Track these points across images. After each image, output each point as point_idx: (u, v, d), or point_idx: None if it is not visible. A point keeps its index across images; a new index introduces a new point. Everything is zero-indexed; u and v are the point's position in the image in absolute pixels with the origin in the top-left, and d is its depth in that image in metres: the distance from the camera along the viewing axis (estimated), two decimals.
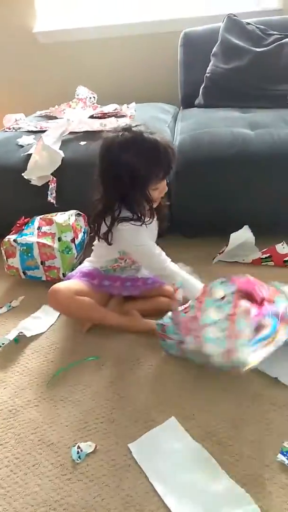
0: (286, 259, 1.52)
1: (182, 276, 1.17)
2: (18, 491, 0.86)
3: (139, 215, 1.15)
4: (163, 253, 1.21)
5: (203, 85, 2.00)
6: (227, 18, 1.96)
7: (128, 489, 0.84)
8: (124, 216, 1.15)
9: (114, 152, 1.09)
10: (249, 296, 1.11)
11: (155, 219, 1.24)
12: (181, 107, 2.19)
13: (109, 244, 1.19)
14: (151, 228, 1.25)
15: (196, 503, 0.80)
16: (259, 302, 1.09)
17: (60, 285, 1.22)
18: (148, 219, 1.16)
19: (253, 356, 0.96)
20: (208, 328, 1.01)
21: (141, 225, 1.16)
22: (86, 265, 1.34)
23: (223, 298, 1.08)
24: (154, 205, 1.19)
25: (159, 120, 1.88)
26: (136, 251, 1.21)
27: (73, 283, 1.26)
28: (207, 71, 1.98)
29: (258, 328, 1.03)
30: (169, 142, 1.15)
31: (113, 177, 1.11)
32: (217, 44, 1.97)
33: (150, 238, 1.25)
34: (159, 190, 1.17)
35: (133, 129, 1.11)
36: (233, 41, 1.93)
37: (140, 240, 1.18)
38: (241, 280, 1.13)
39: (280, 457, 0.86)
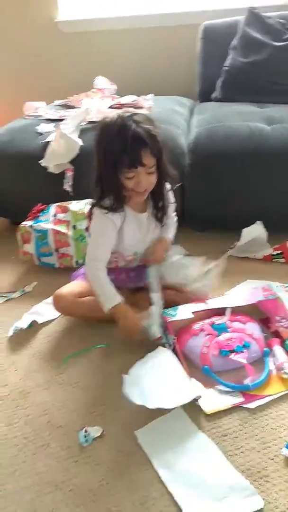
0: None
1: (100, 287, 1.16)
2: (26, 470, 0.88)
3: (110, 201, 1.13)
4: (101, 263, 1.18)
5: (221, 78, 1.98)
6: (248, 12, 1.94)
7: (133, 474, 0.85)
8: (100, 202, 1.14)
9: (97, 133, 1.11)
10: (265, 319, 1.17)
11: (148, 215, 1.21)
12: (198, 101, 2.17)
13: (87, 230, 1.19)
14: (144, 226, 1.22)
15: (200, 492, 0.81)
16: (271, 331, 1.15)
17: (63, 290, 1.23)
18: (115, 208, 1.13)
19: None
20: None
21: (106, 213, 1.13)
22: None
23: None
24: (135, 197, 1.15)
25: (176, 113, 1.87)
26: (89, 237, 1.23)
27: (76, 286, 1.26)
28: (225, 65, 1.96)
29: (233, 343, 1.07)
30: (144, 132, 1.04)
31: (95, 159, 1.12)
32: (236, 37, 1.95)
33: (139, 238, 1.22)
34: (134, 181, 1.09)
35: (121, 114, 1.08)
36: (252, 35, 1.91)
37: (96, 228, 1.17)
38: (270, 301, 1.17)
39: (285, 451, 0.87)
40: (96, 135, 1.12)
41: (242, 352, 1.05)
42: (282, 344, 1.10)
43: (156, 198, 1.21)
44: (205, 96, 2.10)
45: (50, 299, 1.38)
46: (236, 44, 1.94)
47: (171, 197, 1.26)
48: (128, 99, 1.95)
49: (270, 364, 1.06)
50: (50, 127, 1.77)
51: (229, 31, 2.00)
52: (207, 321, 1.15)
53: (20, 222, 1.56)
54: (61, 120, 1.78)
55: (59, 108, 2.07)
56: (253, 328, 1.13)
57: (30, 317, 1.30)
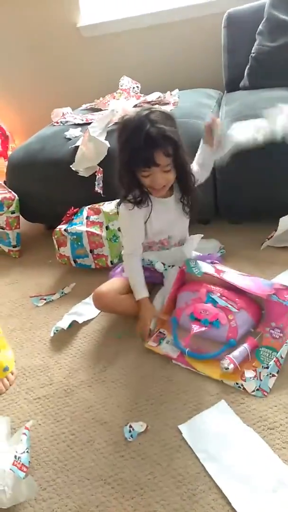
0: None
1: (133, 278, 1.25)
2: (75, 465, 0.91)
3: (133, 197, 1.17)
4: (135, 255, 1.26)
5: (248, 66, 1.94)
6: None
7: (180, 468, 0.86)
8: (125, 199, 1.19)
9: (117, 131, 1.15)
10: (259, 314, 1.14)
11: (175, 199, 1.23)
12: (225, 91, 2.14)
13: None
14: (172, 209, 1.24)
15: (249, 486, 0.80)
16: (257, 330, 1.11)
17: (103, 288, 1.26)
18: (140, 201, 1.17)
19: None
20: None
21: (132, 208, 1.18)
22: None
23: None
24: (154, 193, 1.18)
25: (203, 106, 1.85)
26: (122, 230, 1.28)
27: (115, 283, 1.28)
28: (252, 51, 1.91)
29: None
30: (157, 133, 1.04)
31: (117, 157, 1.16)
32: (262, 21, 1.89)
33: (169, 221, 1.25)
34: (150, 179, 1.12)
35: (139, 112, 1.09)
36: (280, 17, 1.84)
37: (123, 225, 1.27)
38: (281, 305, 1.10)
39: None
40: (117, 133, 1.15)
41: (205, 326, 1.10)
42: (254, 348, 1.07)
43: (182, 184, 1.22)
44: (232, 86, 2.06)
45: (88, 299, 1.41)
46: (262, 29, 1.89)
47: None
48: (153, 96, 1.95)
49: (224, 353, 1.06)
50: (78, 131, 1.80)
51: (254, 16, 1.95)
52: (212, 287, 1.17)
53: (55, 227, 1.60)
54: (88, 124, 1.81)
55: (85, 112, 2.11)
56: (239, 317, 1.10)
57: (70, 318, 1.34)
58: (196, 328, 1.10)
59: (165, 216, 1.25)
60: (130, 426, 0.95)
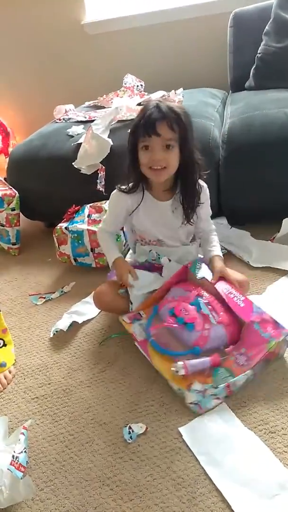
0: None
1: (106, 246, 1.29)
2: (73, 466, 0.89)
3: (128, 183, 1.18)
4: (109, 231, 1.29)
5: (254, 66, 1.93)
6: None
7: (180, 471, 0.85)
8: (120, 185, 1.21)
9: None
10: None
11: (174, 207, 1.19)
12: (230, 91, 2.13)
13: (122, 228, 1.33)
14: (164, 215, 1.20)
15: (250, 490, 0.79)
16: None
17: (103, 288, 1.25)
18: (132, 187, 1.18)
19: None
20: None
21: (121, 191, 1.20)
22: (128, 257, 1.36)
23: None
24: (152, 175, 1.13)
25: (208, 105, 1.84)
26: (108, 210, 1.31)
27: (114, 282, 1.26)
28: (258, 52, 1.90)
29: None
30: (164, 106, 1.05)
31: None
32: (269, 22, 1.88)
33: (157, 224, 1.22)
34: (148, 155, 1.08)
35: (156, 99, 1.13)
36: (287, 18, 1.84)
37: (110, 204, 1.28)
38: (260, 336, 1.03)
39: None
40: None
41: (177, 324, 1.08)
42: (215, 365, 1.01)
43: (185, 188, 1.17)
44: (237, 86, 2.05)
45: (88, 298, 1.40)
46: (269, 29, 1.88)
47: (205, 198, 1.22)
48: (157, 95, 1.93)
49: (184, 357, 1.03)
50: (80, 129, 1.79)
51: (260, 17, 1.94)
52: (204, 293, 1.13)
53: (56, 225, 1.59)
54: (91, 121, 1.80)
55: (88, 109, 2.09)
56: (215, 330, 1.05)
57: (69, 317, 1.32)
58: (170, 324, 1.09)
59: (153, 217, 1.21)
60: (130, 428, 0.94)
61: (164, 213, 1.21)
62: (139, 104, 1.86)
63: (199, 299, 1.11)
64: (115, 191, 1.23)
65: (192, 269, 1.19)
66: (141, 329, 1.14)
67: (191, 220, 1.21)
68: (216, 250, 1.23)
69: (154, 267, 1.28)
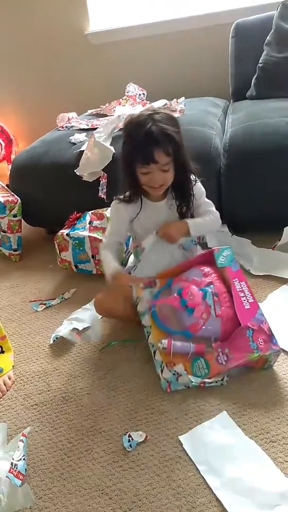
0: None
1: (106, 265, 1.24)
2: (72, 474, 0.88)
3: (126, 196, 1.20)
4: (111, 246, 1.26)
5: (255, 76, 1.95)
6: (281, 5, 1.89)
7: (179, 480, 0.84)
8: (119, 196, 1.23)
9: (123, 128, 1.18)
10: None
11: (169, 205, 1.23)
12: (232, 100, 2.15)
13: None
14: (162, 214, 1.23)
15: (250, 500, 0.78)
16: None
17: (104, 293, 1.25)
18: (130, 198, 1.21)
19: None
20: None
21: (119, 202, 1.22)
22: (130, 261, 1.36)
23: None
24: (152, 192, 1.18)
25: (209, 114, 1.85)
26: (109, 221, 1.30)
27: (116, 289, 1.25)
28: (259, 61, 1.92)
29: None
30: (159, 131, 1.06)
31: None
32: (270, 32, 1.90)
33: (157, 224, 1.22)
34: (148, 177, 1.12)
35: (143, 112, 1.12)
36: (287, 29, 1.86)
37: (112, 214, 1.29)
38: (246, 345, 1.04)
39: None
40: (123, 129, 1.18)
41: (179, 305, 1.10)
42: (198, 354, 1.04)
43: (178, 190, 1.22)
44: (238, 95, 2.07)
45: (89, 305, 1.40)
46: (270, 40, 1.90)
47: (200, 192, 1.25)
48: (159, 103, 1.95)
49: (174, 336, 1.07)
50: (83, 136, 1.80)
51: (262, 27, 1.97)
52: (217, 283, 1.13)
53: (57, 231, 1.59)
54: (93, 129, 1.81)
55: (91, 117, 2.11)
56: (211, 322, 1.07)
57: (70, 324, 1.32)
58: (171, 301, 1.11)
59: (154, 220, 1.23)
60: (129, 436, 0.93)
61: (162, 212, 1.24)
62: None
63: (208, 288, 1.11)
64: (114, 201, 1.25)
65: (216, 255, 1.18)
66: (150, 297, 1.15)
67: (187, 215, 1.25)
68: (191, 220, 1.23)
69: None
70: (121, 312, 1.24)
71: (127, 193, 1.21)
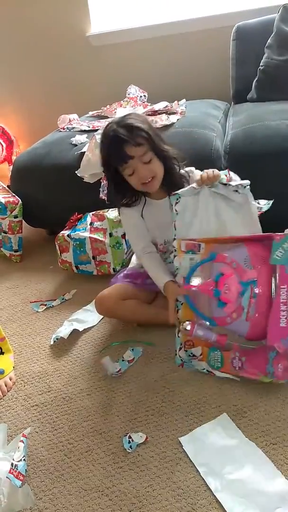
0: None
1: (152, 270, 1.20)
2: (72, 475, 0.88)
3: (129, 200, 1.20)
4: (145, 250, 1.22)
5: (256, 78, 1.95)
6: (282, 8, 1.90)
7: (180, 482, 0.84)
8: (120, 203, 1.23)
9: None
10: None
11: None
12: (232, 103, 2.15)
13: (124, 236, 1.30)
14: (165, 212, 1.18)
15: (251, 502, 0.78)
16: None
17: (105, 293, 1.25)
18: (130, 202, 1.21)
19: None
20: None
21: (124, 208, 1.22)
22: (131, 264, 1.37)
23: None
24: (147, 189, 1.16)
25: (210, 116, 1.86)
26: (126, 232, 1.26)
27: (117, 288, 1.27)
28: (260, 64, 1.92)
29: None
30: (120, 129, 1.07)
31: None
32: (271, 35, 1.91)
33: (161, 223, 1.21)
34: (135, 176, 1.12)
35: (109, 123, 1.13)
36: None
37: (124, 225, 1.29)
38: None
39: None
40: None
41: (213, 293, 1.01)
42: (217, 345, 1.05)
43: (166, 180, 1.18)
44: (239, 97, 2.07)
45: (89, 306, 1.40)
46: (271, 43, 1.91)
47: (196, 173, 1.22)
48: (160, 105, 1.96)
49: (200, 320, 1.06)
50: (84, 138, 1.81)
51: (263, 30, 1.97)
52: (265, 283, 0.97)
53: (58, 232, 1.59)
54: (94, 130, 1.82)
55: (92, 119, 2.12)
56: (239, 324, 0.99)
57: (70, 324, 1.32)
58: (205, 287, 1.02)
59: (157, 218, 1.23)
60: (130, 437, 0.93)
61: (166, 210, 1.21)
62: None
63: (250, 285, 0.96)
64: (121, 209, 1.25)
65: (275, 245, 0.95)
66: (187, 266, 1.08)
67: None
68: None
69: (134, 275, 1.30)
70: (121, 312, 1.24)
71: (125, 200, 1.21)
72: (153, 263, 1.21)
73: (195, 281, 1.08)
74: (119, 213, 1.30)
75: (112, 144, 1.09)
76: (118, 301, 1.23)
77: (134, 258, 1.39)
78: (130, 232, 1.29)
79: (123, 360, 1.15)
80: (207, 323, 1.06)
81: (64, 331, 1.29)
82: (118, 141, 1.07)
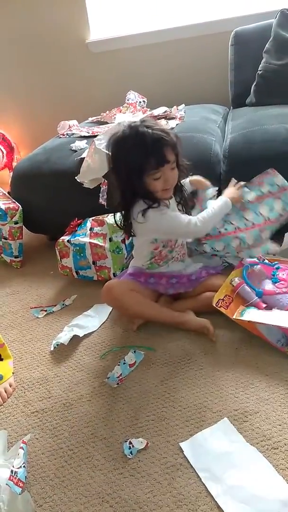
0: None
1: (213, 211, 1.25)
2: (72, 482, 0.88)
3: (153, 201, 1.17)
4: (190, 218, 1.23)
5: (254, 83, 1.96)
6: (280, 14, 1.91)
7: (180, 487, 0.83)
8: (144, 208, 1.17)
9: (113, 150, 1.16)
10: None
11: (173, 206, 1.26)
12: (231, 107, 2.16)
13: (132, 235, 1.26)
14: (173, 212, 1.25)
15: (252, 507, 0.77)
16: None
17: (114, 281, 1.26)
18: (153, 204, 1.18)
19: None
20: None
21: (158, 206, 1.18)
22: (132, 265, 1.37)
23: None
24: (165, 195, 1.18)
25: (209, 121, 1.87)
26: (168, 229, 1.22)
27: (124, 280, 1.29)
28: (259, 69, 1.94)
29: None
30: (160, 132, 1.09)
31: (116, 173, 1.18)
32: (269, 40, 1.93)
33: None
34: (162, 180, 1.14)
35: (131, 125, 1.13)
36: (286, 36, 1.88)
37: (165, 218, 1.19)
38: None
39: None
40: (111, 154, 1.17)
41: (272, 280, 1.23)
42: (253, 306, 1.19)
43: (176, 190, 1.24)
44: (238, 102, 2.08)
45: (90, 311, 1.40)
46: (269, 47, 1.92)
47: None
48: (159, 110, 1.97)
49: (250, 288, 1.22)
50: (83, 143, 1.82)
51: (261, 35, 1.99)
52: None
53: (58, 238, 1.60)
54: (94, 136, 1.83)
55: (92, 125, 2.13)
56: (286, 299, 1.17)
57: (70, 330, 1.32)
58: (268, 271, 1.26)
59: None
60: (130, 443, 0.93)
61: (174, 208, 1.26)
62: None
63: None
64: (152, 211, 1.17)
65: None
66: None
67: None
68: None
69: (154, 275, 1.30)
70: (127, 301, 1.24)
71: (149, 203, 1.17)
72: (209, 211, 1.24)
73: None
74: (143, 216, 1.19)
75: (152, 146, 1.08)
76: (126, 291, 1.23)
77: (132, 262, 1.39)
78: (171, 220, 1.20)
79: (124, 363, 1.14)
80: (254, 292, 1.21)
81: (64, 337, 1.28)
82: (160, 144, 1.08)
